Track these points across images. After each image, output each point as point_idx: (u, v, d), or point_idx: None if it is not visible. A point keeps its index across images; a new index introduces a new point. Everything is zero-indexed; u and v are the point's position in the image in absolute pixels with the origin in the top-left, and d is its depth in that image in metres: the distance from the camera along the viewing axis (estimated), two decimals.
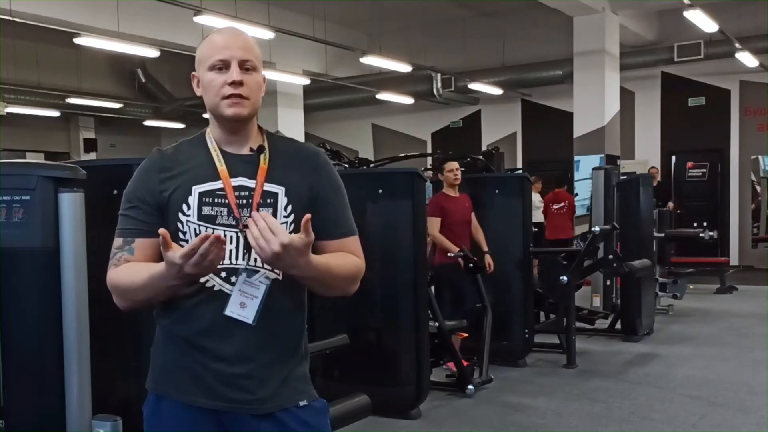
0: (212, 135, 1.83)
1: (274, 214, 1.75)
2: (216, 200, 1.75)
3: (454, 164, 6.02)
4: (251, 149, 1.80)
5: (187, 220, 1.74)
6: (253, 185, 1.76)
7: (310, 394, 1.83)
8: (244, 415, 1.76)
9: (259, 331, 1.73)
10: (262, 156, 1.79)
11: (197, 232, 1.74)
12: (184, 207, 1.75)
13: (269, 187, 1.77)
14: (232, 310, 1.71)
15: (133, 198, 1.78)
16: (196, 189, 1.75)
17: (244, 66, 1.75)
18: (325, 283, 1.75)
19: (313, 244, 1.75)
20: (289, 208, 1.77)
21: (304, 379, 1.84)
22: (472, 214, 6.10)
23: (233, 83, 1.73)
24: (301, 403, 1.80)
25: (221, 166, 1.77)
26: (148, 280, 1.67)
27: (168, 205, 1.76)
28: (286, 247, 1.59)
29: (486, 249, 6.07)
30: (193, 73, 1.81)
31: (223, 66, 1.74)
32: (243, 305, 1.71)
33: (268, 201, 1.76)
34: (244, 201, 1.75)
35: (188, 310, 1.76)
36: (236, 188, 1.76)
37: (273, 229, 1.60)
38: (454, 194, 6.05)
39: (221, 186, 1.76)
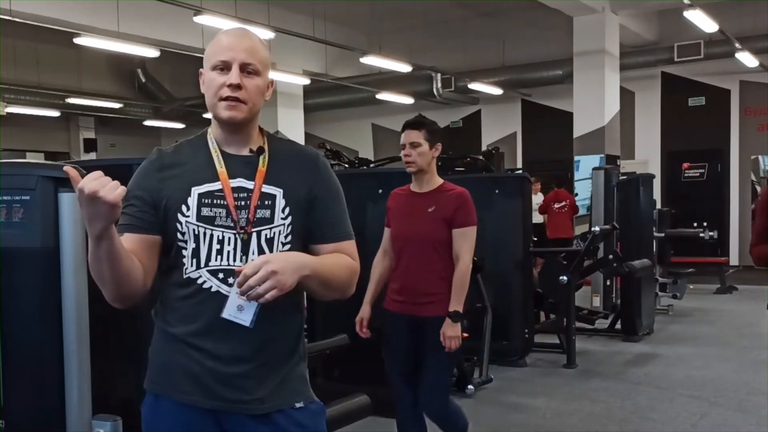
0: (213, 135, 1.83)
1: (272, 216, 1.76)
2: (215, 201, 1.75)
3: (410, 134, 3.47)
4: (251, 150, 1.80)
5: (186, 221, 1.75)
6: (251, 186, 1.76)
7: (306, 396, 1.83)
8: (241, 415, 1.76)
9: (257, 332, 1.72)
10: (261, 158, 1.79)
11: (196, 233, 1.74)
12: (184, 208, 1.75)
13: (267, 188, 1.77)
14: (229, 313, 1.71)
15: (130, 196, 1.77)
16: (195, 190, 1.75)
17: (246, 69, 1.74)
18: (322, 281, 1.74)
19: (309, 247, 1.79)
20: (287, 210, 1.77)
21: (301, 380, 1.84)
22: (461, 231, 3.51)
23: (231, 86, 1.73)
24: (297, 405, 1.80)
25: (221, 168, 1.77)
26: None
27: (167, 205, 1.76)
28: (267, 262, 1.60)
29: (453, 308, 3.36)
30: (201, 69, 1.81)
31: (224, 67, 1.74)
32: (240, 308, 1.70)
33: (266, 203, 1.76)
34: (243, 203, 1.75)
35: (186, 311, 1.76)
36: (235, 189, 1.76)
37: (247, 275, 1.59)
38: (417, 188, 3.54)
39: (220, 187, 1.76)
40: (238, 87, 1.73)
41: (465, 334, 5.66)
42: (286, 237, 1.77)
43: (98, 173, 1.50)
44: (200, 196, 1.75)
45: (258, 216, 1.75)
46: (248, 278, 1.59)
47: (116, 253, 1.60)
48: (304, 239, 1.80)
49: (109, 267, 1.61)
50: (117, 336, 2.81)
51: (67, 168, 1.50)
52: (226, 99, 1.74)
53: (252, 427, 1.76)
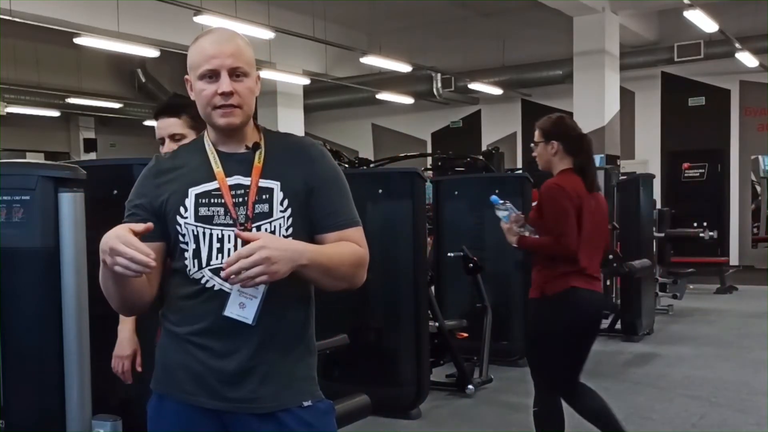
0: (210, 137, 1.83)
1: (271, 210, 1.75)
2: (212, 201, 1.75)
3: (165, 123, 2.62)
4: (247, 147, 1.81)
5: (185, 222, 1.75)
6: (248, 183, 1.76)
7: (314, 395, 1.82)
8: (246, 415, 1.75)
9: (260, 329, 1.72)
10: (257, 153, 1.79)
11: (195, 233, 1.75)
12: (182, 210, 1.75)
13: (264, 183, 1.77)
14: (231, 310, 1.71)
15: (131, 206, 1.80)
16: (192, 191, 1.76)
17: (235, 73, 1.74)
18: (324, 270, 1.72)
19: (314, 238, 1.78)
20: (285, 202, 1.76)
21: (308, 379, 1.83)
22: None
23: (223, 94, 1.73)
24: (305, 404, 1.78)
25: (217, 168, 1.78)
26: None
27: (166, 209, 1.77)
28: (262, 247, 1.58)
29: None
30: (186, 76, 1.81)
31: (212, 75, 1.74)
32: (242, 305, 1.70)
33: (264, 197, 1.76)
34: (240, 199, 1.75)
35: (190, 310, 1.76)
36: (232, 187, 1.76)
37: (240, 256, 1.58)
38: None
39: (217, 186, 1.76)
40: (230, 94, 1.73)
41: (464, 334, 5.70)
42: (287, 230, 1.76)
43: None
44: (197, 196, 1.76)
45: (257, 211, 1.75)
46: (241, 258, 1.57)
47: (123, 276, 1.62)
48: (307, 231, 1.79)
49: (115, 286, 1.67)
50: (117, 336, 2.81)
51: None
52: (221, 107, 1.74)
53: (256, 427, 1.75)
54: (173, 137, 2.54)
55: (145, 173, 1.84)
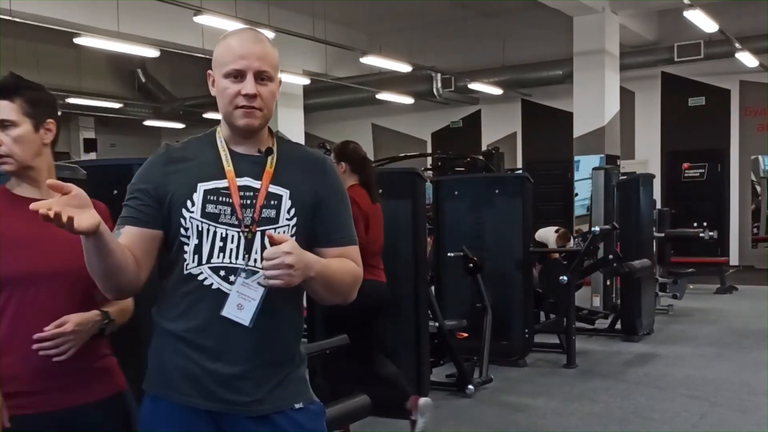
0: (222, 134, 1.83)
1: (277, 216, 1.76)
2: (220, 199, 1.75)
3: None
4: (259, 151, 1.81)
5: (191, 217, 1.75)
6: (258, 186, 1.77)
7: (306, 397, 1.83)
8: (241, 416, 1.76)
9: (257, 332, 1.72)
10: (269, 158, 1.80)
11: (199, 229, 1.74)
12: (188, 203, 1.75)
13: (274, 189, 1.77)
14: (229, 311, 1.71)
15: (134, 189, 1.79)
16: (202, 186, 1.76)
17: (260, 77, 1.74)
18: (326, 284, 1.74)
19: (314, 250, 1.78)
20: (293, 211, 1.77)
21: (300, 382, 1.84)
22: None
23: (247, 96, 1.73)
24: (297, 406, 1.80)
25: (228, 166, 1.78)
26: None
27: (171, 200, 1.76)
28: (288, 253, 1.61)
29: None
30: (209, 71, 1.81)
31: (238, 75, 1.74)
32: (240, 306, 1.71)
33: (272, 203, 1.76)
34: (248, 201, 1.75)
35: (186, 308, 1.76)
36: (241, 188, 1.76)
37: (269, 255, 1.62)
38: (27, 191, 2.00)
39: (226, 185, 1.76)
40: (254, 96, 1.73)
41: (464, 334, 5.70)
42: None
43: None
44: (206, 192, 1.75)
45: (263, 215, 1.75)
46: (265, 260, 1.61)
47: (103, 248, 1.60)
48: (308, 241, 1.80)
49: (97, 259, 1.63)
50: (116, 336, 2.81)
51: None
52: (242, 107, 1.74)
53: (251, 428, 1.76)
54: (1, 124, 1.91)
55: (153, 159, 1.82)
